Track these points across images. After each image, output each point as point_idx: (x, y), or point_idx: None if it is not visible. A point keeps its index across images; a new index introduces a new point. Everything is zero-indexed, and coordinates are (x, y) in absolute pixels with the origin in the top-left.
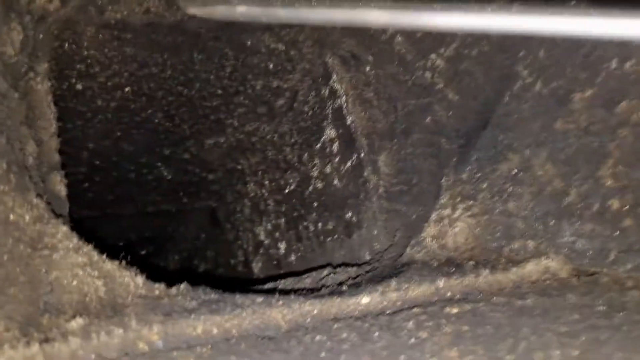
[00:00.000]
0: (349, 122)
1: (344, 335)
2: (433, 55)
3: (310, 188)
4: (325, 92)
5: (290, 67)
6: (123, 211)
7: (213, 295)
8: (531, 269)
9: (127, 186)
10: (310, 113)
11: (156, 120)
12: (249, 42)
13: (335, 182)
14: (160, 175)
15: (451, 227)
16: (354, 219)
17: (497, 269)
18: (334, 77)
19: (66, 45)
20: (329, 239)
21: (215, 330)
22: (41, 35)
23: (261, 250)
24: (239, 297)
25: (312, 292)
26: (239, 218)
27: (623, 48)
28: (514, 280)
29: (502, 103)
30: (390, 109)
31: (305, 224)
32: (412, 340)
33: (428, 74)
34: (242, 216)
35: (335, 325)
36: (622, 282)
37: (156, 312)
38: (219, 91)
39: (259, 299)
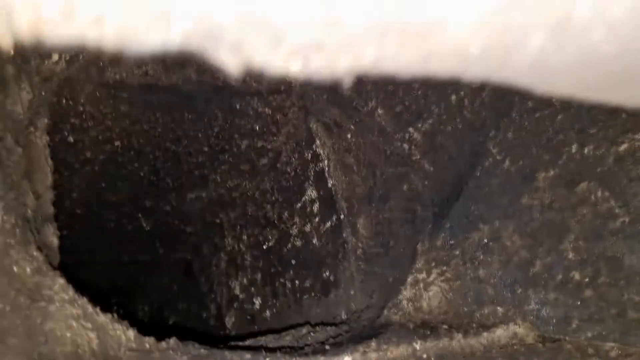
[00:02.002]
0: (329, 185)
1: None
2: (411, 129)
3: (289, 245)
4: (308, 155)
5: (275, 130)
6: (98, 259)
7: (202, 351)
8: (500, 334)
9: (106, 235)
10: (292, 174)
11: (141, 174)
12: (238, 106)
13: (314, 241)
14: (139, 226)
15: (426, 290)
16: (331, 278)
17: (469, 334)
18: (317, 142)
19: (64, 100)
20: (305, 296)
21: None
22: (44, 93)
23: (235, 305)
24: (227, 353)
25: (294, 350)
26: (214, 271)
27: (582, 134)
28: (484, 344)
29: (474, 177)
30: (369, 175)
31: (282, 280)
32: None
33: (406, 145)
34: (217, 270)
35: None
36: (583, 349)
37: None
38: (205, 148)
39: (247, 355)
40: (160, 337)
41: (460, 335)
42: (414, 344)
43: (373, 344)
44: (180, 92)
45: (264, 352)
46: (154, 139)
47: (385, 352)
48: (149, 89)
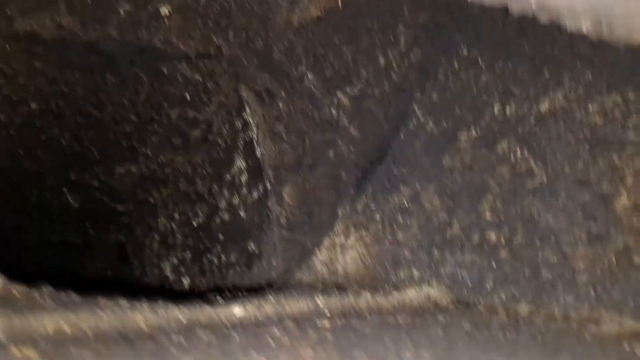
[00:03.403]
0: (258, 154)
1: (203, 337)
2: (340, 93)
3: (218, 220)
4: (239, 124)
5: (207, 99)
6: (23, 239)
7: (74, 298)
8: (412, 295)
9: (29, 212)
10: (223, 145)
11: (63, 142)
12: (165, 70)
13: (242, 213)
14: (66, 202)
15: (342, 254)
16: (255, 250)
17: (379, 293)
18: (247, 110)
19: None
20: (231, 271)
21: (67, 330)
22: None
23: (166, 286)
24: (101, 300)
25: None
26: (147, 253)
27: (505, 94)
28: (394, 304)
29: (398, 139)
30: (298, 143)
31: (209, 257)
32: (272, 342)
33: (334, 111)
34: (150, 252)
35: (199, 330)
36: (494, 309)
37: (6, 308)
38: (132, 117)
39: (124, 302)
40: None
41: (368, 294)
42: (317, 299)
43: (271, 298)
44: (100, 51)
45: (144, 300)
46: (74, 103)
47: (282, 305)
48: (65, 44)
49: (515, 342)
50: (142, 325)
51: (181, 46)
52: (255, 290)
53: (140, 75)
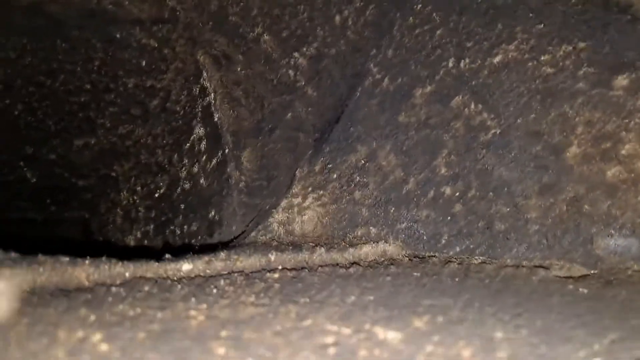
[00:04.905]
0: (216, 119)
1: (144, 288)
2: (296, 54)
3: (179, 190)
4: (196, 90)
5: (164, 66)
6: None
7: (13, 255)
8: (368, 250)
9: None
10: (181, 112)
11: (16, 112)
12: (118, 35)
13: (202, 181)
14: (23, 177)
15: (300, 214)
16: (216, 217)
17: (333, 249)
18: (205, 75)
19: None
20: (193, 240)
21: (2, 285)
22: None
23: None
24: (41, 257)
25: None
26: (111, 229)
27: (459, 48)
28: (349, 259)
29: (354, 98)
30: (257, 107)
31: (172, 227)
32: (215, 291)
33: (291, 72)
34: (114, 227)
35: (141, 282)
36: (448, 260)
37: None
38: (87, 86)
39: (65, 259)
40: None
41: (322, 250)
42: (269, 255)
43: (222, 254)
44: (45, 13)
45: (87, 257)
46: (24, 71)
47: (234, 261)
48: (7, 7)
49: (462, 285)
50: (84, 280)
51: (133, 10)
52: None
53: (92, 41)
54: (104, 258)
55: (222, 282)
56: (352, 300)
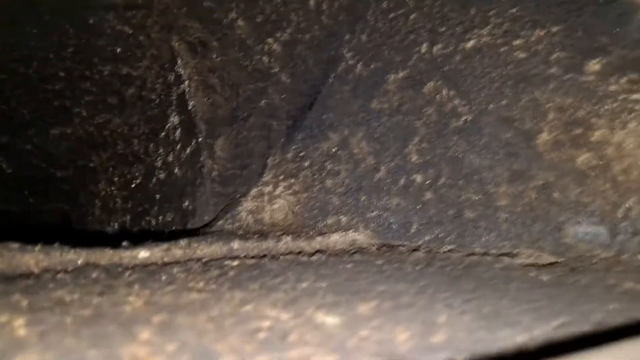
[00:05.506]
0: (190, 107)
1: (91, 275)
2: (270, 40)
3: (154, 180)
4: (171, 78)
5: (140, 53)
6: None
7: None
8: (336, 239)
9: None
10: (157, 101)
11: None
12: (91, 21)
13: (176, 170)
14: None
15: (270, 203)
16: (190, 207)
17: (300, 238)
18: (179, 62)
19: None
20: (167, 231)
21: None
22: None
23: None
24: (13, 244)
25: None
26: (89, 220)
27: (432, 33)
28: (316, 248)
29: (327, 84)
30: (232, 94)
31: (148, 218)
32: (163, 277)
33: (265, 58)
34: (93, 218)
35: (90, 269)
36: (415, 248)
37: None
38: (62, 73)
39: (15, 245)
40: None
41: (289, 238)
42: (232, 243)
43: (182, 242)
44: None
45: (39, 244)
46: None
47: (194, 249)
48: None
49: (423, 273)
50: (34, 267)
51: None
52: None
53: (65, 26)
54: (56, 244)
55: (175, 269)
56: (302, 287)
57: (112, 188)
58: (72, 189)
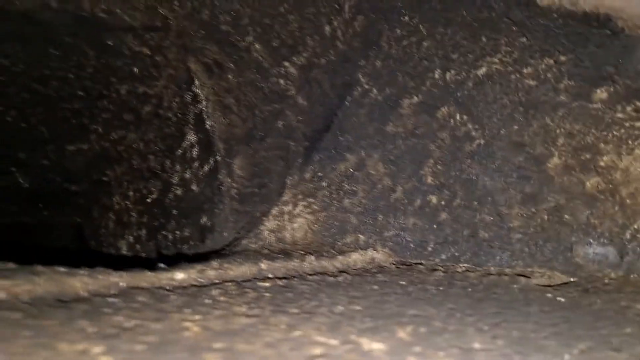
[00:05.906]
0: (208, 126)
1: (139, 298)
2: (287, 63)
3: (171, 196)
4: (188, 97)
5: (156, 73)
6: None
7: (10, 265)
8: (356, 258)
9: None
10: (173, 119)
11: (9, 119)
12: (110, 43)
13: (194, 187)
14: (16, 183)
15: (291, 222)
16: (208, 223)
17: (323, 257)
18: (196, 82)
19: None
20: (185, 246)
21: (3, 295)
22: None
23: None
24: (39, 268)
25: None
26: (103, 233)
27: (445, 60)
28: (338, 267)
29: (344, 108)
30: (249, 115)
31: (164, 233)
32: (208, 301)
33: (282, 81)
34: (107, 231)
35: (136, 292)
36: (434, 268)
37: None
38: (80, 93)
39: (62, 269)
40: None
41: (312, 258)
42: (260, 264)
43: (214, 263)
44: (37, 21)
45: (85, 268)
46: (16, 78)
47: (225, 270)
48: (0, 14)
49: (446, 294)
50: (80, 290)
51: (126, 17)
52: (204, 258)
53: (84, 48)
54: (99, 268)
55: (214, 291)
56: (340, 310)
57: (127, 202)
58: (86, 202)
